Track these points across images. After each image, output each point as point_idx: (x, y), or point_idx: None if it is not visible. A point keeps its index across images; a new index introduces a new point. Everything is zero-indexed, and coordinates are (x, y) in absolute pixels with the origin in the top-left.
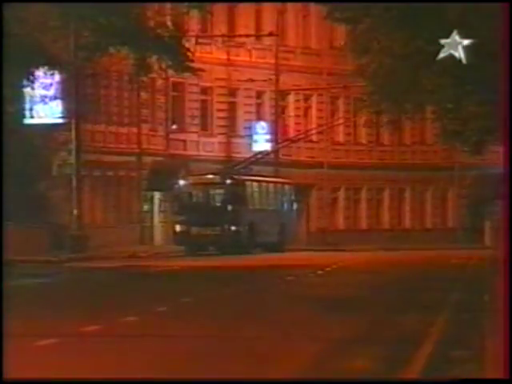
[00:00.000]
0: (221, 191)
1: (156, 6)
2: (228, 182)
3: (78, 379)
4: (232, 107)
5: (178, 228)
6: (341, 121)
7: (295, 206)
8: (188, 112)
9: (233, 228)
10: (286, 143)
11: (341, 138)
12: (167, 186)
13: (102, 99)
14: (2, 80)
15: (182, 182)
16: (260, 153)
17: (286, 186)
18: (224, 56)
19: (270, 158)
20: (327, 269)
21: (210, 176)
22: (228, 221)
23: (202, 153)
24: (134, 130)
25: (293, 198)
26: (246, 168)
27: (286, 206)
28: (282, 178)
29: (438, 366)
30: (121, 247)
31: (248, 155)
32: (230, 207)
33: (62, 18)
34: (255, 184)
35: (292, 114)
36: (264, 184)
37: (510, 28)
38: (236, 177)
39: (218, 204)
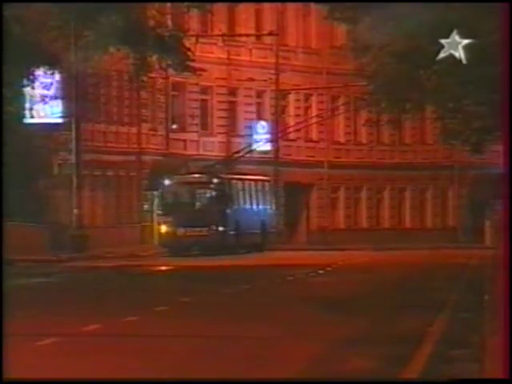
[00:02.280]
0: (206, 190)
1: (156, 5)
2: (214, 180)
3: (78, 379)
4: (232, 107)
5: (163, 229)
6: (320, 117)
7: (274, 204)
8: (188, 111)
9: (220, 229)
10: (262, 143)
11: (341, 137)
12: None
13: (102, 99)
14: (2, 79)
15: (166, 182)
16: (239, 151)
17: (267, 183)
18: (224, 55)
19: (270, 157)
20: (328, 268)
21: (196, 175)
22: (215, 221)
23: (202, 152)
24: (134, 129)
25: (273, 194)
26: (227, 165)
27: (267, 203)
28: (263, 175)
29: (437, 365)
30: (121, 247)
31: (247, 154)
32: (216, 207)
33: (62, 17)
34: (239, 182)
35: (292, 113)
36: (247, 182)
37: (510, 28)
38: (222, 175)
39: (204, 204)
